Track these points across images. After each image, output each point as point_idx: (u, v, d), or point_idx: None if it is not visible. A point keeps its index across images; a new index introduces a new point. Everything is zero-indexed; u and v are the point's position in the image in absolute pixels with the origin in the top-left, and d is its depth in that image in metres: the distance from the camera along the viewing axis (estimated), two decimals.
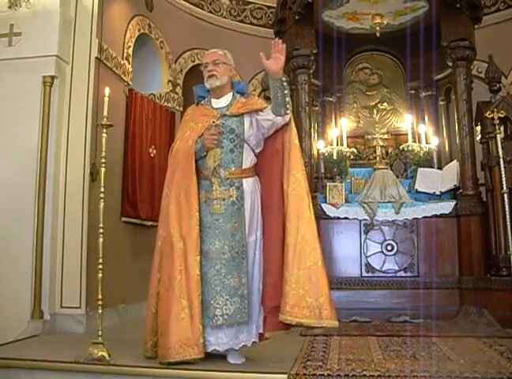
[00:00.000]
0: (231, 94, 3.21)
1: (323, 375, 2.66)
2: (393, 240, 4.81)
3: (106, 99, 3.15)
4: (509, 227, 4.28)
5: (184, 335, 2.82)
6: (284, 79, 2.97)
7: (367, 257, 4.82)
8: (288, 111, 3.04)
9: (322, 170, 5.48)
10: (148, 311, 3.03)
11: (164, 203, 3.11)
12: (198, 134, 3.07)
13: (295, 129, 3.14)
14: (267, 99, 5.24)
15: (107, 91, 3.16)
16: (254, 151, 3.21)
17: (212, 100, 3.23)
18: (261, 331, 3.03)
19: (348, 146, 5.44)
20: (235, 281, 2.96)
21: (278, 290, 2.91)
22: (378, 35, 5.07)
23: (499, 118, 4.50)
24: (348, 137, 5.55)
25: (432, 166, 5.33)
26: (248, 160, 3.16)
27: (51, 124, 4.23)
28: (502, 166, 4.39)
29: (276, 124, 3.08)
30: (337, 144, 5.38)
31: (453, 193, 4.99)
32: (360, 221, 4.86)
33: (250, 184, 3.13)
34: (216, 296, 2.93)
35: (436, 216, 4.80)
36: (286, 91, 2.97)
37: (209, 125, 3.07)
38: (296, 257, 2.83)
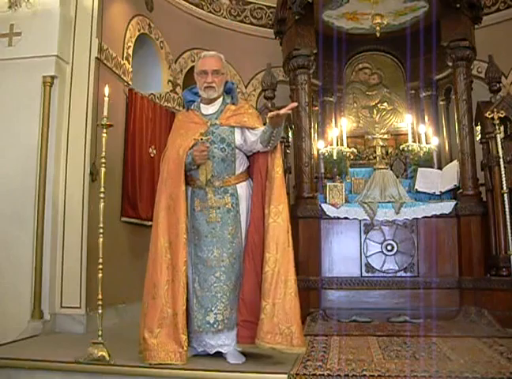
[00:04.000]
0: (221, 99, 3.20)
1: (323, 375, 2.66)
2: (393, 240, 4.80)
3: (106, 99, 3.14)
4: (509, 227, 4.28)
5: (166, 341, 2.88)
6: (275, 130, 2.97)
7: (366, 257, 4.81)
8: (269, 147, 3.06)
9: (322, 170, 5.47)
10: (142, 314, 3.04)
11: (155, 210, 3.12)
12: (189, 145, 3.06)
13: (280, 159, 3.12)
14: (267, 99, 5.26)
15: (106, 90, 3.15)
16: (246, 155, 3.21)
17: (202, 106, 3.22)
18: None
19: (348, 146, 5.43)
20: (234, 285, 3.03)
21: (247, 306, 2.96)
22: (378, 35, 5.06)
23: (499, 118, 4.49)
24: (348, 137, 5.53)
25: (432, 167, 5.32)
26: (241, 166, 3.18)
27: (51, 124, 4.23)
28: (502, 166, 4.40)
29: (258, 147, 3.12)
30: (337, 144, 5.37)
31: (453, 193, 4.98)
32: (360, 221, 4.85)
33: (244, 188, 3.15)
34: (216, 302, 2.98)
35: (436, 216, 4.79)
36: (273, 138, 2.99)
37: (197, 142, 3.06)
38: (272, 287, 2.87)
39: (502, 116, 4.52)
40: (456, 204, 4.77)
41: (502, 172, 4.38)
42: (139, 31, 5.36)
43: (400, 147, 5.48)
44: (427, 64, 5.78)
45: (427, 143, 5.38)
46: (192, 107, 3.26)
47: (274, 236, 2.94)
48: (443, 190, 4.99)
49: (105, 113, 3.11)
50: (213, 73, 3.11)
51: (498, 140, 4.48)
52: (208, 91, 3.14)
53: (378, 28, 5.03)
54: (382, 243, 4.81)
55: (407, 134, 5.42)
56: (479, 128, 4.88)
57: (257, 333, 2.85)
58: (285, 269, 2.91)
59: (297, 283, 2.98)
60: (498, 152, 4.47)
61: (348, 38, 5.81)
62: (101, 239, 3.09)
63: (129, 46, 5.17)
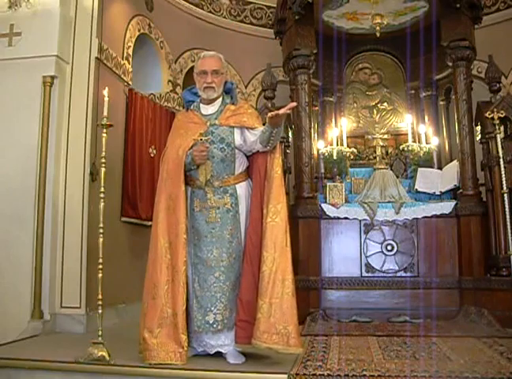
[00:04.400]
0: (220, 99, 3.20)
1: (323, 375, 2.66)
2: (393, 240, 4.80)
3: (106, 99, 3.15)
4: (509, 227, 4.28)
5: (167, 341, 2.88)
6: (275, 130, 2.97)
7: (366, 257, 4.81)
8: (269, 147, 3.06)
9: (322, 170, 5.47)
10: (142, 314, 3.04)
11: (155, 211, 3.12)
12: (188, 145, 3.06)
13: (279, 158, 3.11)
14: (267, 99, 5.26)
15: (106, 92, 3.16)
16: (246, 155, 3.21)
17: (201, 106, 3.22)
18: None
19: (348, 146, 5.43)
20: (233, 285, 3.03)
21: (244, 306, 2.95)
22: (378, 35, 5.07)
23: (499, 118, 4.49)
24: (348, 137, 5.53)
25: (432, 167, 5.32)
26: (241, 166, 3.17)
27: (51, 124, 4.23)
28: (502, 166, 4.40)
29: (258, 147, 3.11)
30: (337, 144, 5.37)
31: (453, 193, 4.99)
32: (360, 221, 4.85)
33: (243, 188, 3.15)
34: (216, 302, 2.98)
35: (436, 216, 4.79)
36: (272, 138, 2.99)
37: (197, 142, 3.05)
38: (270, 286, 2.86)
39: (502, 116, 4.52)
40: (456, 204, 4.77)
41: (502, 172, 4.38)
42: (139, 31, 5.37)
43: (400, 147, 5.48)
44: (427, 64, 5.78)
45: (427, 143, 5.38)
46: (191, 107, 3.26)
47: (272, 235, 2.94)
48: (443, 190, 4.99)
49: (105, 113, 3.12)
50: (213, 74, 3.11)
51: (498, 140, 4.48)
52: (207, 92, 3.13)
53: (378, 28, 5.03)
54: (382, 243, 4.81)
55: (407, 134, 5.42)
56: (479, 128, 4.88)
57: (253, 333, 2.85)
58: (283, 269, 2.90)
59: (297, 283, 2.98)
60: (498, 152, 4.47)
61: (348, 38, 5.82)
62: (101, 239, 3.09)
63: (129, 46, 5.17)
